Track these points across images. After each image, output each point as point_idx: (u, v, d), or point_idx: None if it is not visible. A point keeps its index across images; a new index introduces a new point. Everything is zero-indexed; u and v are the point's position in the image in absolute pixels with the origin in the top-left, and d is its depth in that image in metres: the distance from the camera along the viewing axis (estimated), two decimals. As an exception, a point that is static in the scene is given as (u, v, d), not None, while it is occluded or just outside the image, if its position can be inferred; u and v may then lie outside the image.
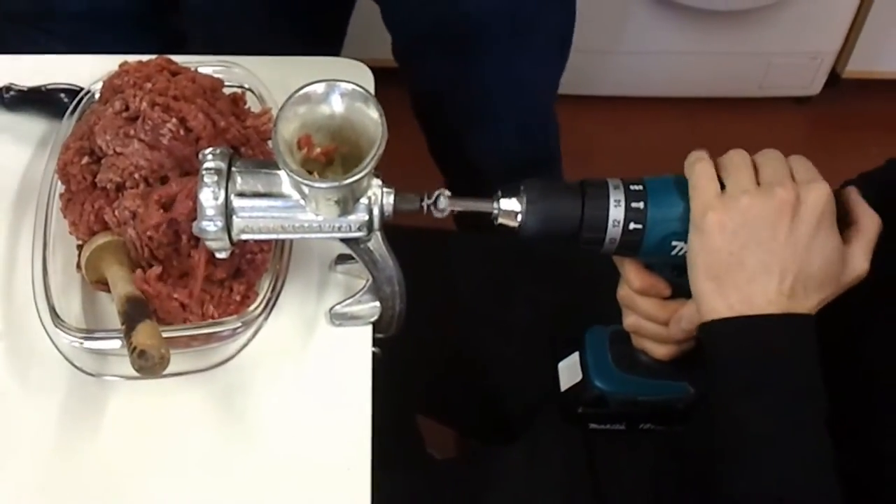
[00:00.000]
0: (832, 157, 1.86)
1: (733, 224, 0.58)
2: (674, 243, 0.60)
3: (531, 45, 1.09)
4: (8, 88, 0.83)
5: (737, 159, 0.60)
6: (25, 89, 0.83)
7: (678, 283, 0.64)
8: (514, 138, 1.19)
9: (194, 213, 0.62)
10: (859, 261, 0.59)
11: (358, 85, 0.60)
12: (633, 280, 0.65)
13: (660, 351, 0.68)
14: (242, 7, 1.05)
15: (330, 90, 0.60)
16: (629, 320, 0.68)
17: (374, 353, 0.70)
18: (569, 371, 0.73)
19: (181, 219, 0.67)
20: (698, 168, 0.60)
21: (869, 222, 0.60)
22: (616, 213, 0.59)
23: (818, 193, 0.57)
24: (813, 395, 0.57)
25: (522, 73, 1.11)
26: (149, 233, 0.68)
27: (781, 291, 0.57)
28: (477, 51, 1.06)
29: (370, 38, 1.14)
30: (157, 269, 0.68)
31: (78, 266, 0.71)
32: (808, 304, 0.58)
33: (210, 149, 0.61)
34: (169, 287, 0.68)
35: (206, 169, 0.59)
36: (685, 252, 0.60)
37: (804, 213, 0.57)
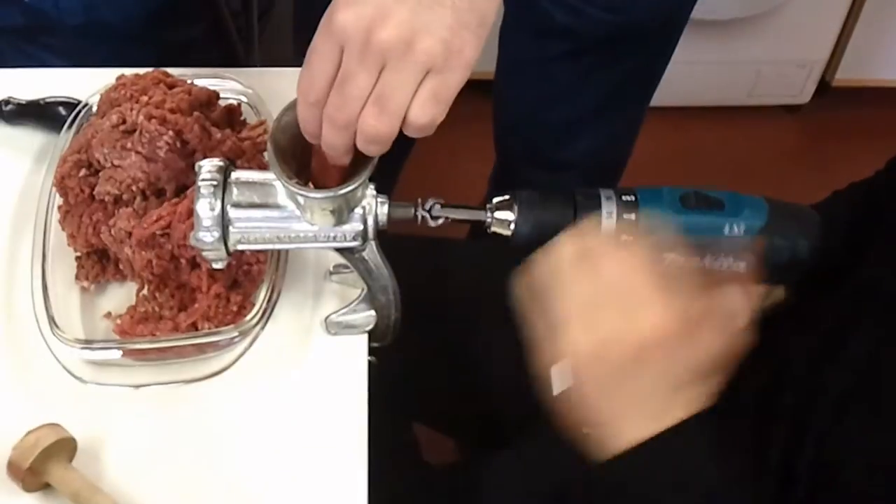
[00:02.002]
0: (823, 164, 1.89)
1: None
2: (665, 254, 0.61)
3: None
4: (6, 102, 0.84)
5: None
6: (24, 103, 0.84)
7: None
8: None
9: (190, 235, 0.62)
10: None
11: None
12: None
13: None
14: None
15: (324, 101, 0.60)
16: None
17: (369, 362, 0.71)
18: (561, 376, 0.74)
19: (179, 242, 0.67)
20: None
21: None
22: (607, 224, 0.60)
23: None
24: None
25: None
26: (144, 273, 0.69)
27: None
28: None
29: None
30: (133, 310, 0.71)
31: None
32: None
33: (206, 160, 0.61)
34: (151, 325, 0.69)
35: (203, 180, 0.60)
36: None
37: None
